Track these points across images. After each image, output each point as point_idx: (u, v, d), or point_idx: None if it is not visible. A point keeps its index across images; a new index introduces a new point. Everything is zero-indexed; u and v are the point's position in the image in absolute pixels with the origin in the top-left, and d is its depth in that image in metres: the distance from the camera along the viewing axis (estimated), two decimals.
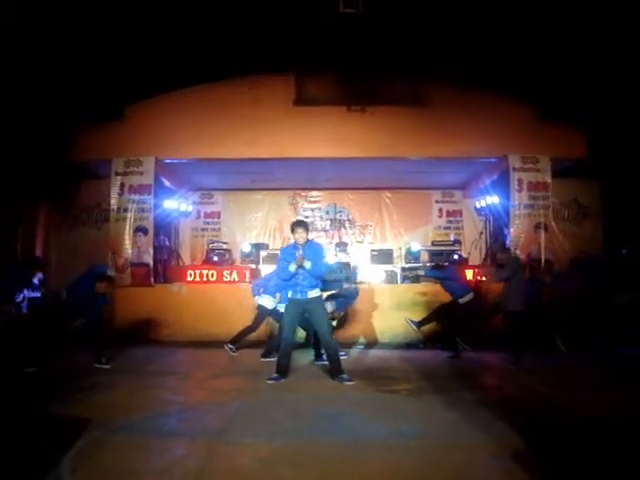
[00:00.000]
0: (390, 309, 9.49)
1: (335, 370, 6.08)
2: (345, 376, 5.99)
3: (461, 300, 7.98)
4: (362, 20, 8.43)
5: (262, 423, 4.38)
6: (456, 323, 8.12)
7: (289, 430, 4.19)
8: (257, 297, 7.86)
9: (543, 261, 10.05)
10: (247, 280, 10.06)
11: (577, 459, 3.55)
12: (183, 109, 10.28)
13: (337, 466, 3.43)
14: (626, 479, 3.28)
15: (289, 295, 6.17)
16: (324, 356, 6.59)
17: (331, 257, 10.71)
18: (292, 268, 5.91)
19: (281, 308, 7.09)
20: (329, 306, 7.19)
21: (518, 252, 9.99)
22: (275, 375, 6.05)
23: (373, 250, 11.55)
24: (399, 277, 10.56)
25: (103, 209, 11.46)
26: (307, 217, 13.24)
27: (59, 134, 10.07)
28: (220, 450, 3.74)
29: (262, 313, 7.89)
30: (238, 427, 4.30)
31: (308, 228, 6.25)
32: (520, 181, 10.17)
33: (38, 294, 7.82)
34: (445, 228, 13.47)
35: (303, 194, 13.65)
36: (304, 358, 7.46)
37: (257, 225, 13.54)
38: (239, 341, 8.01)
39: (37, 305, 7.77)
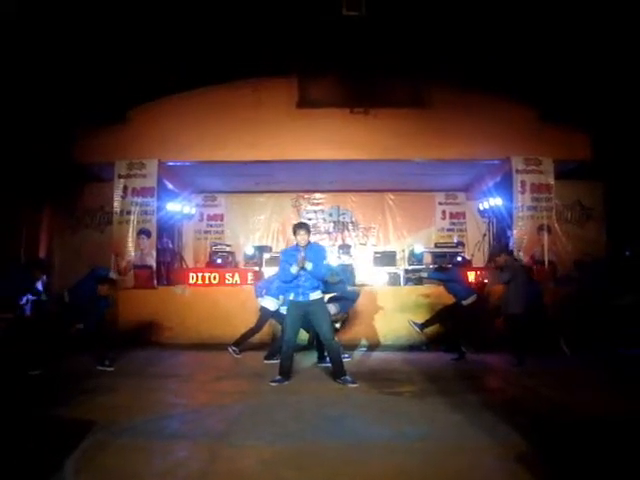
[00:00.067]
0: (393, 311, 9.47)
1: (338, 372, 6.06)
2: (348, 378, 5.97)
3: (464, 302, 7.96)
4: (365, 22, 8.44)
5: (265, 425, 4.37)
6: (459, 325, 8.11)
7: (292, 432, 4.18)
8: (260, 299, 7.85)
9: (546, 263, 10.03)
10: (249, 282, 10.05)
11: (580, 460, 3.53)
12: (185, 112, 10.30)
13: (340, 468, 3.41)
14: (627, 479, 3.27)
15: (291, 297, 6.17)
16: (327, 358, 6.57)
17: (334, 259, 10.70)
18: (293, 270, 5.91)
19: (284, 310, 7.08)
20: (332, 308, 7.18)
21: (521, 254, 9.98)
22: (278, 377, 6.04)
23: (376, 252, 11.53)
24: (402, 279, 10.54)
25: (106, 212, 11.49)
26: (310, 219, 13.25)
27: (62, 137, 10.10)
28: (223, 452, 3.73)
29: (265, 315, 7.89)
30: (241, 429, 4.29)
31: (310, 230, 6.24)
32: (523, 183, 10.16)
33: (42, 297, 7.83)
34: (448, 230, 13.48)
35: (306, 196, 13.67)
36: (307, 360, 7.45)
37: (260, 227, 13.57)
38: (242, 343, 8.00)
39: (40, 307, 7.78)
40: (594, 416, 4.62)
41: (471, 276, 10.16)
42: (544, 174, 10.16)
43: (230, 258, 11.72)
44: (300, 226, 6.13)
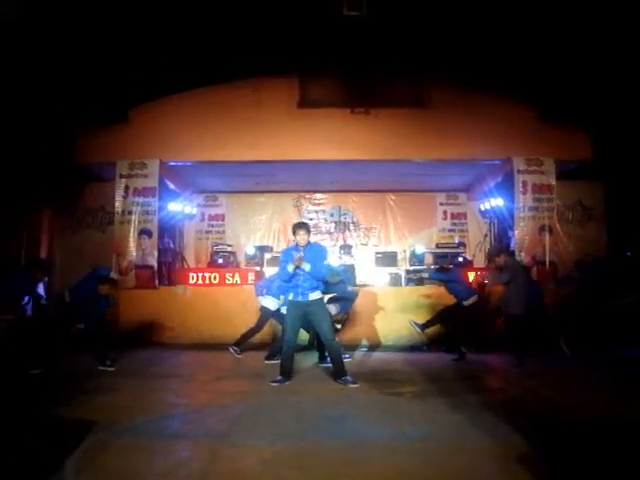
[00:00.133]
0: (394, 311, 9.47)
1: (339, 372, 6.07)
2: (349, 378, 5.97)
3: (465, 303, 7.95)
4: (365, 23, 8.44)
5: (266, 425, 4.37)
6: (460, 326, 8.10)
7: (293, 432, 4.18)
8: (261, 297, 7.86)
9: (548, 263, 10.03)
10: (250, 282, 10.05)
11: (580, 461, 3.53)
12: (186, 112, 10.31)
13: (341, 468, 3.42)
14: (627, 479, 3.28)
15: (290, 297, 6.18)
16: (328, 358, 6.58)
17: (335, 259, 10.70)
18: (290, 268, 5.91)
19: (284, 310, 7.08)
20: (333, 309, 7.19)
21: (523, 255, 9.98)
22: (279, 377, 6.04)
23: (377, 252, 11.54)
24: (403, 279, 10.55)
25: (107, 212, 11.50)
26: (311, 219, 13.27)
27: (63, 137, 10.11)
28: (224, 452, 3.74)
29: (265, 314, 7.90)
30: (242, 429, 4.29)
31: (310, 230, 6.23)
32: (524, 183, 10.15)
33: (42, 297, 7.83)
34: (449, 230, 13.48)
35: (307, 196, 13.69)
36: (308, 360, 7.45)
37: (261, 227, 13.58)
38: (243, 343, 8.01)
39: (41, 307, 7.78)
40: (594, 417, 4.62)
41: (472, 276, 10.14)
42: (545, 174, 10.15)
43: (231, 258, 11.73)
44: (300, 226, 6.12)
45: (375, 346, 9.16)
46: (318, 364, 7.19)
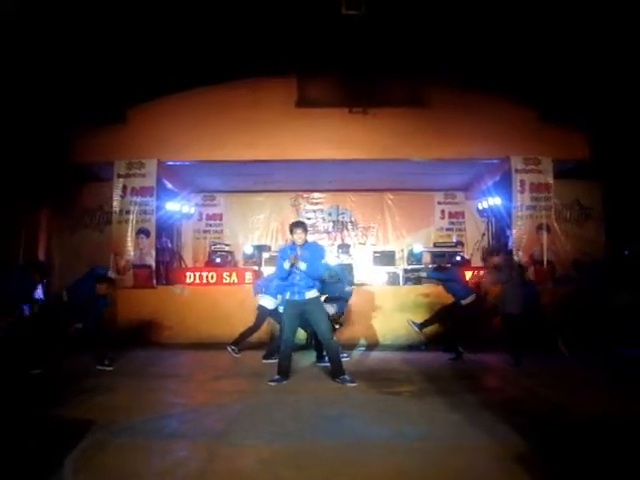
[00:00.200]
0: (392, 311, 9.48)
1: (337, 371, 6.07)
2: (347, 377, 5.98)
3: (463, 302, 7.95)
4: (364, 22, 8.42)
5: (264, 425, 4.37)
6: (458, 325, 8.11)
7: (291, 432, 4.18)
8: (259, 295, 7.86)
9: (545, 262, 10.04)
10: (248, 281, 10.04)
11: (578, 460, 3.54)
12: (184, 111, 10.30)
13: (339, 468, 3.42)
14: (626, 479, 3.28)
15: (287, 296, 6.19)
16: (326, 358, 6.58)
17: (333, 258, 10.70)
18: (286, 265, 5.91)
19: (282, 309, 7.09)
20: (330, 309, 7.19)
21: (520, 254, 9.98)
22: (277, 377, 6.04)
23: (375, 252, 11.55)
24: (401, 279, 10.55)
25: (105, 211, 11.47)
26: (309, 219, 13.27)
27: (61, 137, 10.09)
28: (222, 452, 3.74)
29: (263, 313, 7.90)
30: (240, 429, 4.29)
31: (307, 229, 6.22)
32: (522, 182, 10.16)
33: (42, 301, 7.80)
34: (447, 230, 13.48)
35: (305, 196, 13.68)
36: (306, 360, 7.46)
37: (259, 227, 13.58)
38: (241, 342, 8.01)
39: (39, 306, 7.76)
40: (592, 416, 4.62)
41: (469, 275, 10.14)
42: (543, 173, 10.17)
43: (229, 257, 11.73)
44: (297, 225, 6.13)
45: (373, 345, 9.16)
46: (316, 363, 7.20)
